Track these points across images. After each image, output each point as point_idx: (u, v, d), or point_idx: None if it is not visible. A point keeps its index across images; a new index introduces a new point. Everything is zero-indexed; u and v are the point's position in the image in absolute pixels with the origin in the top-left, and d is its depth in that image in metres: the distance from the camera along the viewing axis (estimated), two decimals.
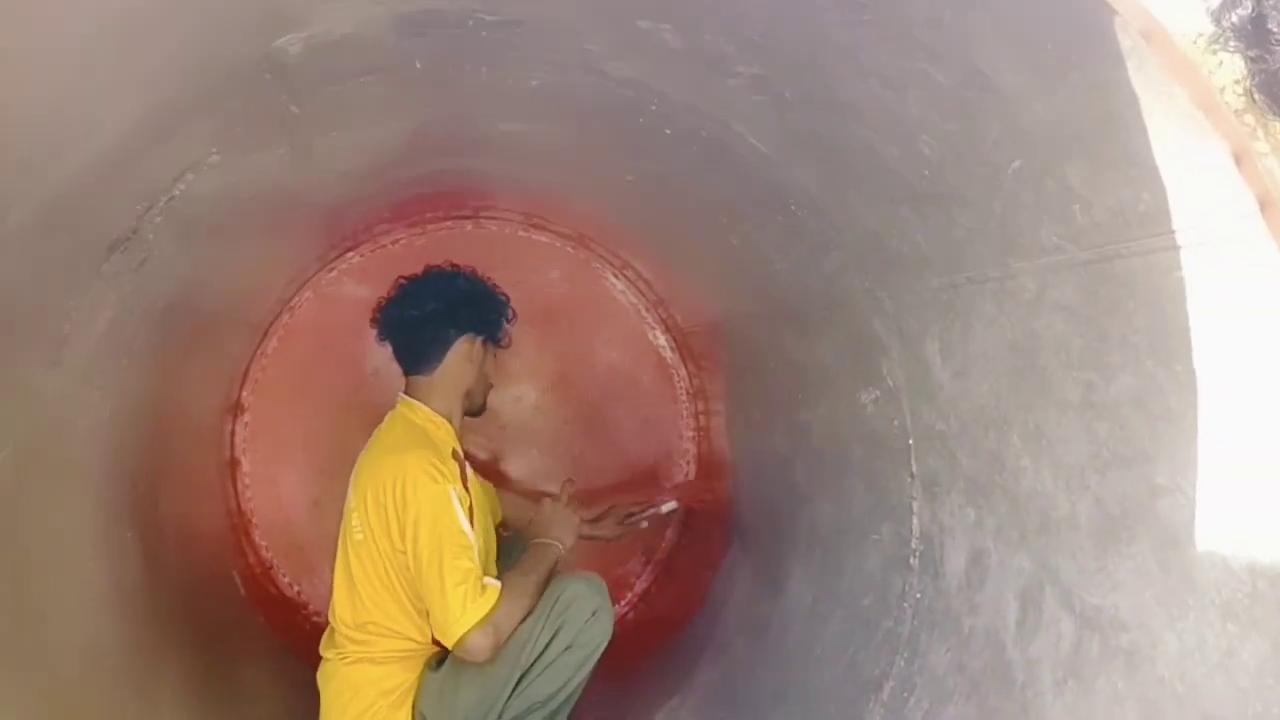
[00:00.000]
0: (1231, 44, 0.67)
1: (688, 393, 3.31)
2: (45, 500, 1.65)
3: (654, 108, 1.76)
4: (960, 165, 1.33)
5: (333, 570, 2.25)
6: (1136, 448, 1.23)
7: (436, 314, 2.31)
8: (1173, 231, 1.06)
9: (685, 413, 3.32)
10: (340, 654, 2.14)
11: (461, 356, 2.32)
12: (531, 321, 3.23)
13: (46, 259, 1.44)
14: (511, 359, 2.99)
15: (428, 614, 2.06)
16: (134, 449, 2.10)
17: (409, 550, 2.03)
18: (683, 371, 3.31)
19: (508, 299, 2.46)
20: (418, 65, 1.66)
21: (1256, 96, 0.69)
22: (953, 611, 1.68)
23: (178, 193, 1.68)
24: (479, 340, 2.36)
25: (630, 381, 3.32)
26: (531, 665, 2.10)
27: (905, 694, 1.75)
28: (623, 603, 3.23)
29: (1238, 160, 0.92)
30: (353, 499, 2.18)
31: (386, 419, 2.37)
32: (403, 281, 2.41)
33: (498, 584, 2.06)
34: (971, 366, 1.57)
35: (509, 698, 2.09)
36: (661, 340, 3.31)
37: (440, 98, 1.85)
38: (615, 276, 3.27)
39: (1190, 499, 1.16)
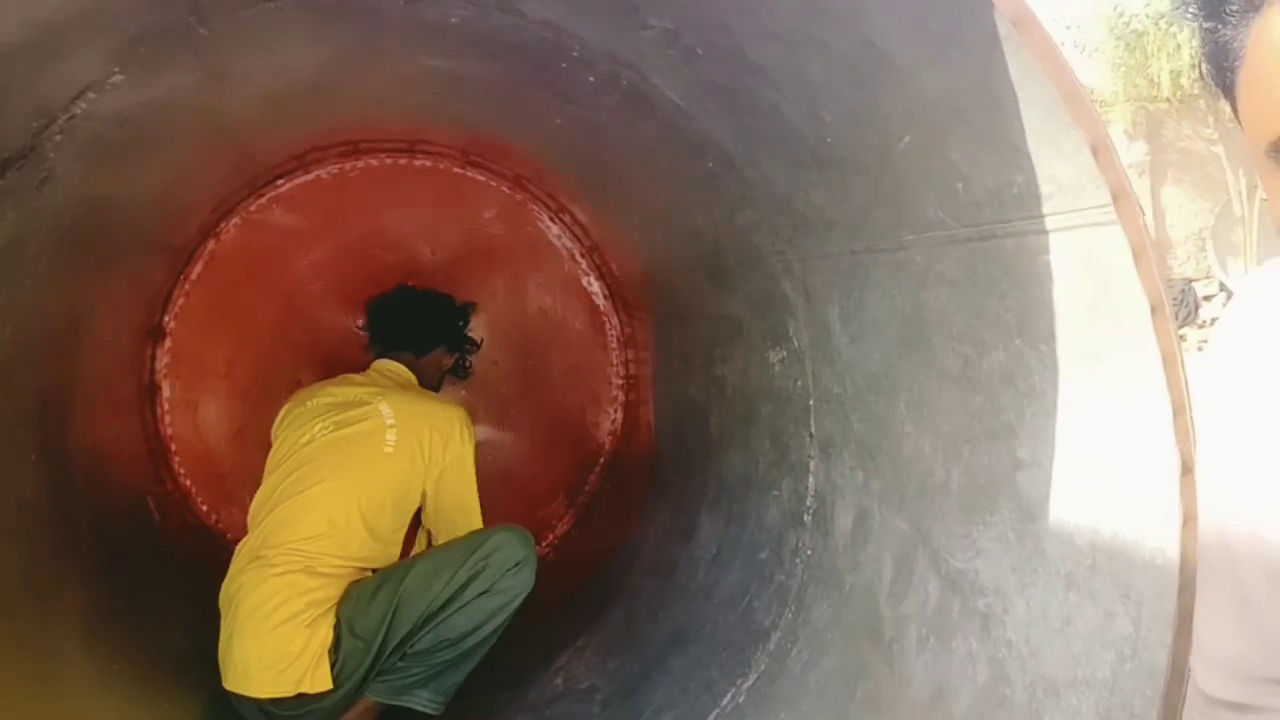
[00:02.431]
0: (1190, 11, 0.68)
1: (619, 340, 3.33)
2: None
3: (575, 53, 1.74)
4: (857, 134, 1.34)
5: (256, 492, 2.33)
6: (1003, 421, 1.28)
7: (439, 313, 2.80)
8: (1042, 216, 1.09)
9: (615, 360, 3.34)
10: (269, 565, 2.14)
11: (435, 360, 2.76)
12: (465, 261, 3.22)
13: None
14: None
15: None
16: (40, 370, 2.07)
17: (446, 476, 2.37)
18: (615, 320, 3.32)
19: (482, 343, 3.09)
20: None
21: (1204, 67, 0.70)
22: (838, 569, 1.74)
23: (78, 111, 1.63)
24: (449, 357, 2.84)
25: (562, 326, 3.33)
26: (446, 602, 2.14)
27: (789, 645, 1.82)
28: (543, 544, 3.28)
29: (1095, 151, 0.94)
30: (371, 422, 2.32)
31: (378, 370, 2.61)
32: (404, 285, 2.88)
33: None
34: (866, 333, 1.60)
35: (422, 627, 2.12)
36: (595, 287, 3.31)
37: (358, 28, 1.81)
38: (552, 220, 3.26)
39: (1047, 473, 1.21)
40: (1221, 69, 0.73)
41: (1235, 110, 0.74)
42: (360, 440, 2.27)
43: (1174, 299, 10.06)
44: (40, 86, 1.48)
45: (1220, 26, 0.71)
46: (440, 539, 2.43)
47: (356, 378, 2.56)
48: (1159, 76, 10.41)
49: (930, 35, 1.06)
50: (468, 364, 3.04)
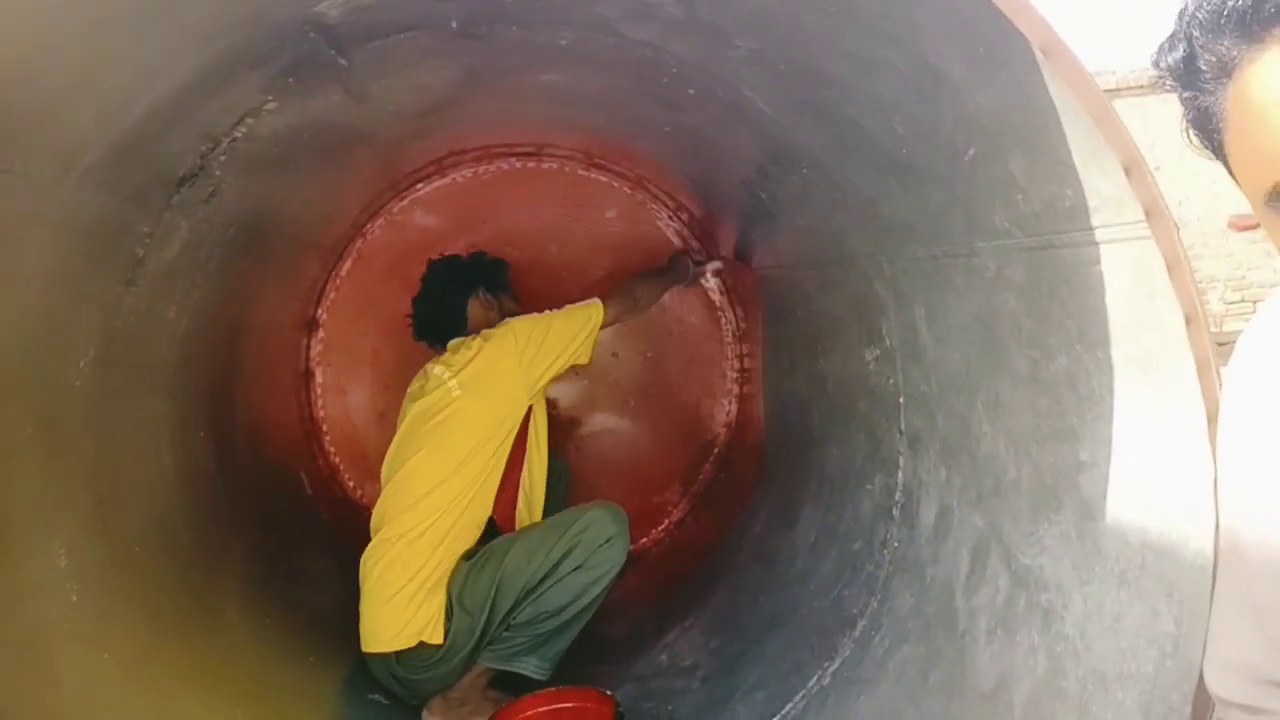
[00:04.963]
0: (1169, 84, 0.73)
1: (734, 335, 3.43)
2: (124, 399, 1.90)
3: (674, 69, 1.85)
4: (928, 145, 1.40)
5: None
6: (1067, 423, 1.32)
7: (440, 288, 2.76)
8: (1091, 228, 1.13)
9: (730, 354, 3.44)
10: (390, 537, 2.37)
11: (479, 311, 2.71)
12: (588, 257, 3.39)
13: (121, 192, 1.65)
14: (568, 291, 3.12)
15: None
16: (210, 358, 2.36)
17: (533, 350, 2.45)
18: (730, 314, 3.42)
19: (499, 260, 2.88)
20: (453, 24, 1.79)
21: (1190, 134, 0.74)
22: (920, 561, 1.80)
23: (239, 134, 1.87)
24: (482, 291, 2.74)
25: (679, 320, 3.45)
26: (543, 578, 2.31)
27: (873, 632, 1.89)
28: (657, 529, 3.42)
29: (1128, 170, 0.98)
30: (435, 389, 2.48)
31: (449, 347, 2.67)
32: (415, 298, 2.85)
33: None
34: (949, 334, 1.65)
35: (523, 600, 2.30)
36: (712, 283, 3.42)
37: (480, 51, 1.98)
38: (670, 218, 3.38)
39: (1104, 475, 1.25)
40: (1208, 133, 0.78)
41: (1229, 169, 0.78)
42: (430, 406, 2.46)
43: None
44: (207, 115, 1.71)
45: (1199, 95, 0.76)
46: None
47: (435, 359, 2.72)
48: None
49: (979, 58, 1.12)
50: (498, 277, 2.83)
